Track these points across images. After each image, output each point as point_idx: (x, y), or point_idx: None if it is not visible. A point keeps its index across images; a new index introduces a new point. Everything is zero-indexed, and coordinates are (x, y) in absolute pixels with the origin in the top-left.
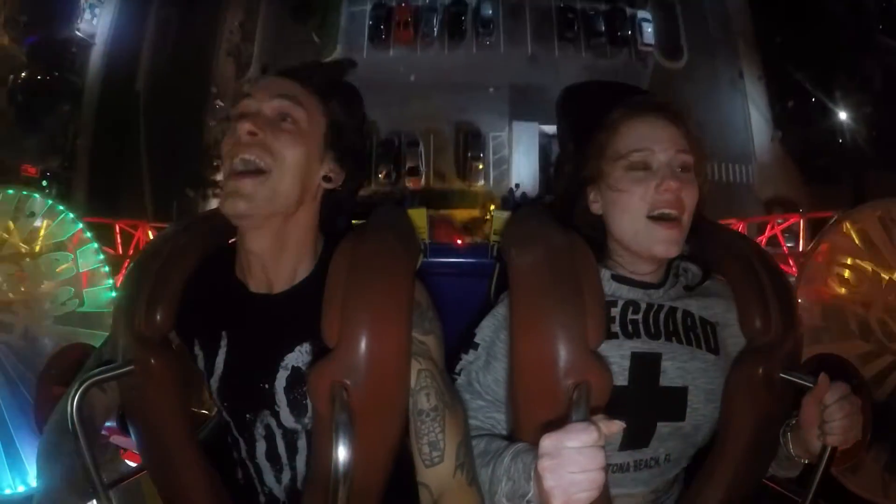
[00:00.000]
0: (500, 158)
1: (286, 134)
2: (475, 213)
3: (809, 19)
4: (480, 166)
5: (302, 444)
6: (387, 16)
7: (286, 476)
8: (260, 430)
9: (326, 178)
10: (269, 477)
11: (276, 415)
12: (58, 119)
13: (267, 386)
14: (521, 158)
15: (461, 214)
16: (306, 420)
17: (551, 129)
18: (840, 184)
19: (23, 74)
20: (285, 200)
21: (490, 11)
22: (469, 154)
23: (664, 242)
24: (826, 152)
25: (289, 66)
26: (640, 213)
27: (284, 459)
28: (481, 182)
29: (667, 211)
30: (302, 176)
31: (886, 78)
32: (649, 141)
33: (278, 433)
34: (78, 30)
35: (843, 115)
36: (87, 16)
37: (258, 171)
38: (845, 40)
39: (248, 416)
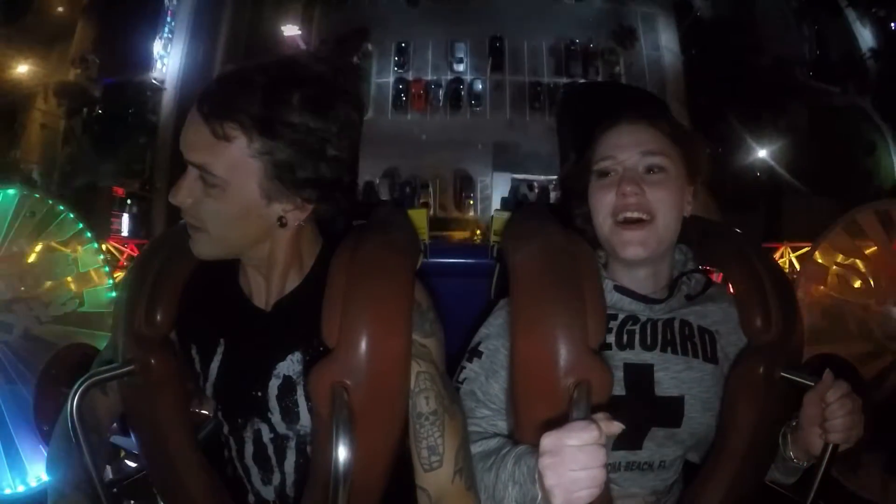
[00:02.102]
0: (485, 196)
1: (207, 199)
2: (467, 234)
3: (738, 75)
4: (471, 202)
5: (291, 448)
6: (405, 89)
7: (276, 479)
8: (248, 434)
9: (281, 221)
10: (256, 480)
11: (267, 421)
12: (134, 149)
13: (260, 394)
14: (498, 197)
15: (457, 235)
16: (298, 426)
17: (520, 176)
18: (756, 211)
19: (98, 109)
20: (233, 246)
21: (480, 87)
22: (463, 193)
23: (630, 244)
24: (743, 186)
25: (212, 90)
26: (608, 220)
27: (274, 462)
28: (471, 213)
29: (629, 214)
30: (240, 228)
31: (812, 116)
32: (614, 148)
33: (268, 438)
34: (154, 79)
35: (762, 153)
36: (158, 65)
37: (195, 228)
38: (774, 87)
39: (239, 420)
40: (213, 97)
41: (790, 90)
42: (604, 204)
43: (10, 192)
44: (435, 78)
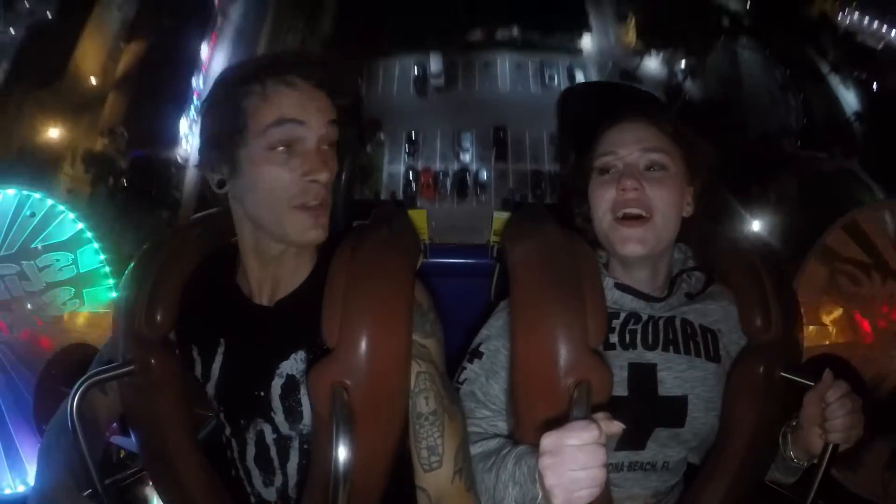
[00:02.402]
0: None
1: (329, 168)
2: None
3: (728, 154)
4: None
5: (294, 450)
6: (415, 177)
7: (278, 480)
8: (251, 436)
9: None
10: (257, 482)
11: (271, 421)
12: (157, 221)
13: (263, 393)
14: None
15: None
16: (301, 426)
17: None
18: None
19: (123, 181)
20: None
21: (485, 176)
22: None
23: (628, 241)
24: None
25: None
26: (608, 216)
27: (276, 464)
28: None
29: (629, 210)
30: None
31: (802, 184)
32: (614, 144)
33: (271, 439)
34: (179, 156)
35: (755, 226)
36: (183, 143)
37: (323, 207)
38: (763, 161)
39: (241, 421)
40: (334, 78)
41: (779, 162)
42: (604, 199)
43: (10, 192)
44: (443, 167)
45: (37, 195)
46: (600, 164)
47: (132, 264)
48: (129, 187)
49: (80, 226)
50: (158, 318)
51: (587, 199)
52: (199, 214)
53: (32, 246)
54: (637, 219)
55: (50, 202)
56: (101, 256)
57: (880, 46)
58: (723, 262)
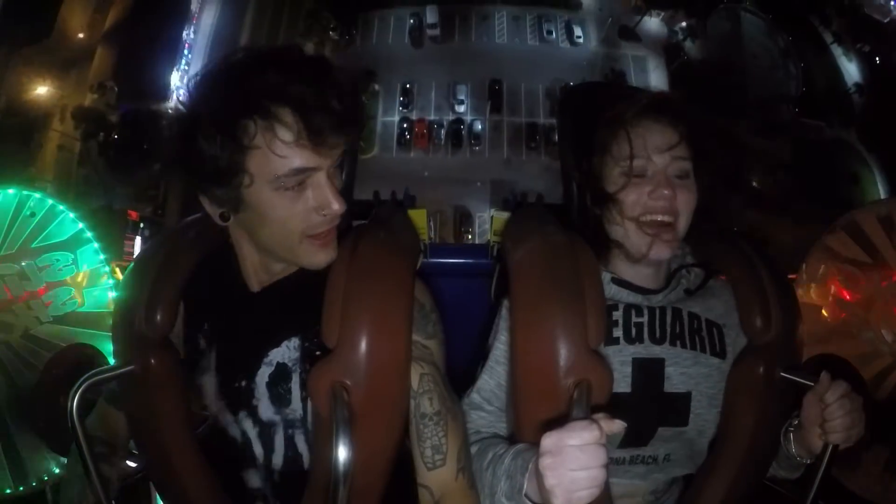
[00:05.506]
0: (482, 231)
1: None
2: None
3: (725, 114)
4: (469, 237)
5: (279, 439)
6: (409, 127)
7: (260, 475)
8: (236, 432)
9: None
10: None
11: (253, 411)
12: (149, 174)
13: (244, 383)
14: None
15: None
16: (288, 411)
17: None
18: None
19: (114, 135)
20: None
21: (479, 127)
22: (462, 228)
23: (655, 246)
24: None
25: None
26: (633, 218)
27: (261, 460)
28: None
29: (659, 217)
30: None
31: (797, 149)
32: (647, 149)
33: (253, 432)
34: (170, 108)
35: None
36: (174, 96)
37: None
38: (760, 125)
39: (227, 416)
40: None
41: (776, 126)
42: (630, 201)
43: (10, 191)
44: (437, 118)
45: (37, 195)
46: (633, 167)
47: (132, 264)
48: (119, 141)
49: (80, 225)
50: (158, 318)
51: (608, 199)
52: (198, 215)
53: (32, 246)
54: (664, 225)
55: (50, 202)
56: (101, 256)
57: (886, 20)
58: (722, 260)
